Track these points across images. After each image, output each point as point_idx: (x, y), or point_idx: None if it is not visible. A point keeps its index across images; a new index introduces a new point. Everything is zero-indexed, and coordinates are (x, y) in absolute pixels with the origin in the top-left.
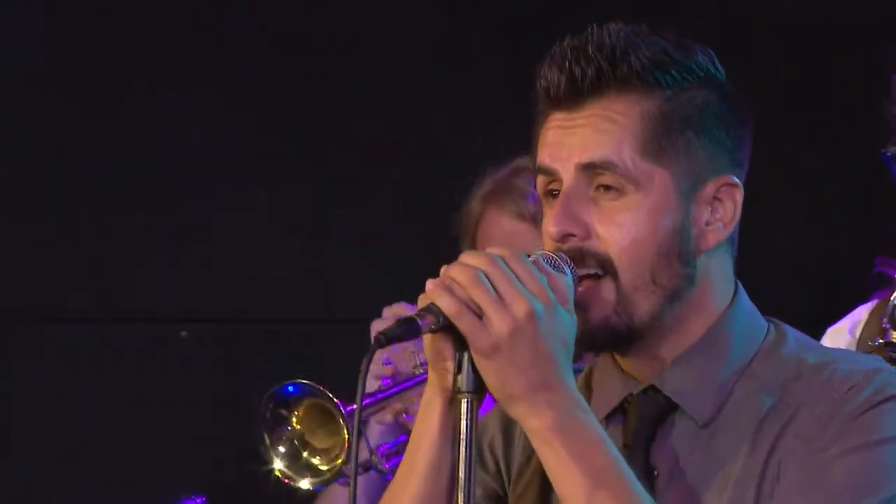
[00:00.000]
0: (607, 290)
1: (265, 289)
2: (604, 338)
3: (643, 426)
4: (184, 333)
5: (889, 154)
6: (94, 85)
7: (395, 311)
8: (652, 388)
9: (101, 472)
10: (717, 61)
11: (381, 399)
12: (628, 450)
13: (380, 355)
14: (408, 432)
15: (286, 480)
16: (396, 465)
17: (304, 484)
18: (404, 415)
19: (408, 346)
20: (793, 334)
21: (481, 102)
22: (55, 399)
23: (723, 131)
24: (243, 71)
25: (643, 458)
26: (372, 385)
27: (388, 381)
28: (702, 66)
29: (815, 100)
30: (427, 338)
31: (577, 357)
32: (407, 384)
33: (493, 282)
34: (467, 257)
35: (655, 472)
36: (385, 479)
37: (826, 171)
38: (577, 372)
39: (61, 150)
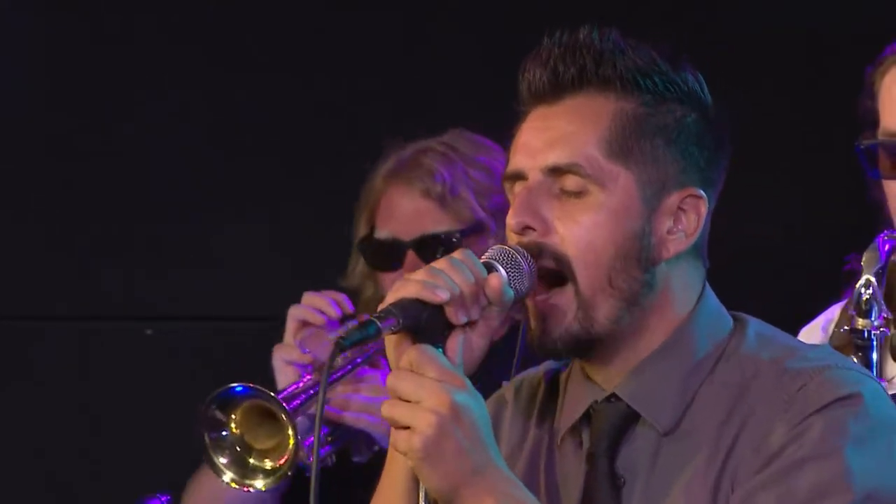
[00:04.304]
0: (567, 297)
1: (250, 287)
2: (564, 346)
3: (606, 435)
4: (149, 331)
5: (861, 147)
6: (90, 86)
7: (310, 301)
8: (614, 395)
9: (73, 470)
10: (705, 86)
11: (313, 395)
12: (592, 458)
13: (293, 341)
14: (329, 424)
15: (245, 489)
16: (323, 457)
17: (258, 484)
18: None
19: (324, 333)
20: (753, 329)
21: (480, 108)
22: (30, 399)
23: (696, 147)
24: (236, 73)
25: (608, 466)
26: (293, 375)
27: (309, 368)
28: (688, 83)
29: (802, 100)
30: (390, 339)
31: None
32: (336, 376)
33: (400, 393)
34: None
35: (622, 480)
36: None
37: (805, 169)
38: (559, 371)
39: (59, 155)
